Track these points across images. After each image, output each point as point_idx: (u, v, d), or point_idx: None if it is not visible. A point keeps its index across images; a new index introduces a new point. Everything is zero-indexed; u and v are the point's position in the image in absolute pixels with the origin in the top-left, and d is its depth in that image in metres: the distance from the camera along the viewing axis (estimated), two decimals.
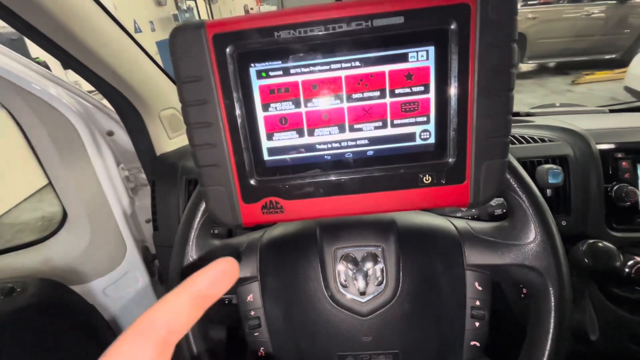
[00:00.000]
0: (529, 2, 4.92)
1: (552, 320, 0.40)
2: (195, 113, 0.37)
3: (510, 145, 0.74)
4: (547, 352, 0.39)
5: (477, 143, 0.37)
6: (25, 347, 0.82)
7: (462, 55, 0.34)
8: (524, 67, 5.55)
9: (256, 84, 0.36)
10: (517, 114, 1.04)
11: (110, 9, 0.69)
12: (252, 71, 0.36)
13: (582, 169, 0.70)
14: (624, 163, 0.69)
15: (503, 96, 0.35)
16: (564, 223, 0.71)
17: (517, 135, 0.77)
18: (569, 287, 0.41)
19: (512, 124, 0.87)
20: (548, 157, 0.71)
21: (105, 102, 0.85)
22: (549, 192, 0.70)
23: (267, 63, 0.36)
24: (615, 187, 0.69)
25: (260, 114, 0.38)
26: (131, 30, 0.75)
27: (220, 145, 0.38)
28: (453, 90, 0.36)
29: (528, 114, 1.01)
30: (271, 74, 0.36)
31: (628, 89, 3.49)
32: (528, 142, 0.75)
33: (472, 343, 0.43)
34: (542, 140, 0.75)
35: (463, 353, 0.44)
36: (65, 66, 0.71)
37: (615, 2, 4.69)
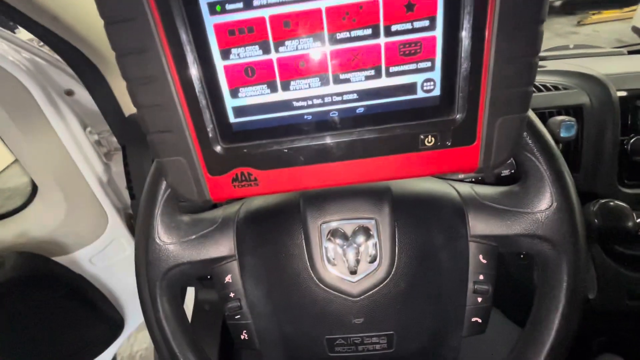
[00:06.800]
0: None
1: (562, 297, 0.36)
2: (133, 65, 0.28)
3: None
4: (554, 332, 0.36)
5: (492, 94, 0.29)
6: (12, 319, 0.81)
7: None
8: None
9: (210, 21, 0.28)
10: None
11: None
12: (203, 3, 0.27)
13: (598, 120, 0.63)
14: None
15: (531, 30, 0.27)
16: None
17: None
18: (585, 261, 0.36)
19: None
20: (561, 108, 0.64)
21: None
22: (559, 146, 0.64)
23: None
24: (632, 140, 0.63)
25: (219, 64, 0.29)
26: None
27: (172, 105, 0.30)
28: (466, 25, 0.27)
29: (540, 58, 0.91)
30: (228, 7, 0.27)
31: (636, 30, 3.27)
32: (540, 90, 0.67)
33: (474, 319, 0.40)
34: (556, 88, 0.66)
35: (463, 331, 0.40)
36: None
37: None
